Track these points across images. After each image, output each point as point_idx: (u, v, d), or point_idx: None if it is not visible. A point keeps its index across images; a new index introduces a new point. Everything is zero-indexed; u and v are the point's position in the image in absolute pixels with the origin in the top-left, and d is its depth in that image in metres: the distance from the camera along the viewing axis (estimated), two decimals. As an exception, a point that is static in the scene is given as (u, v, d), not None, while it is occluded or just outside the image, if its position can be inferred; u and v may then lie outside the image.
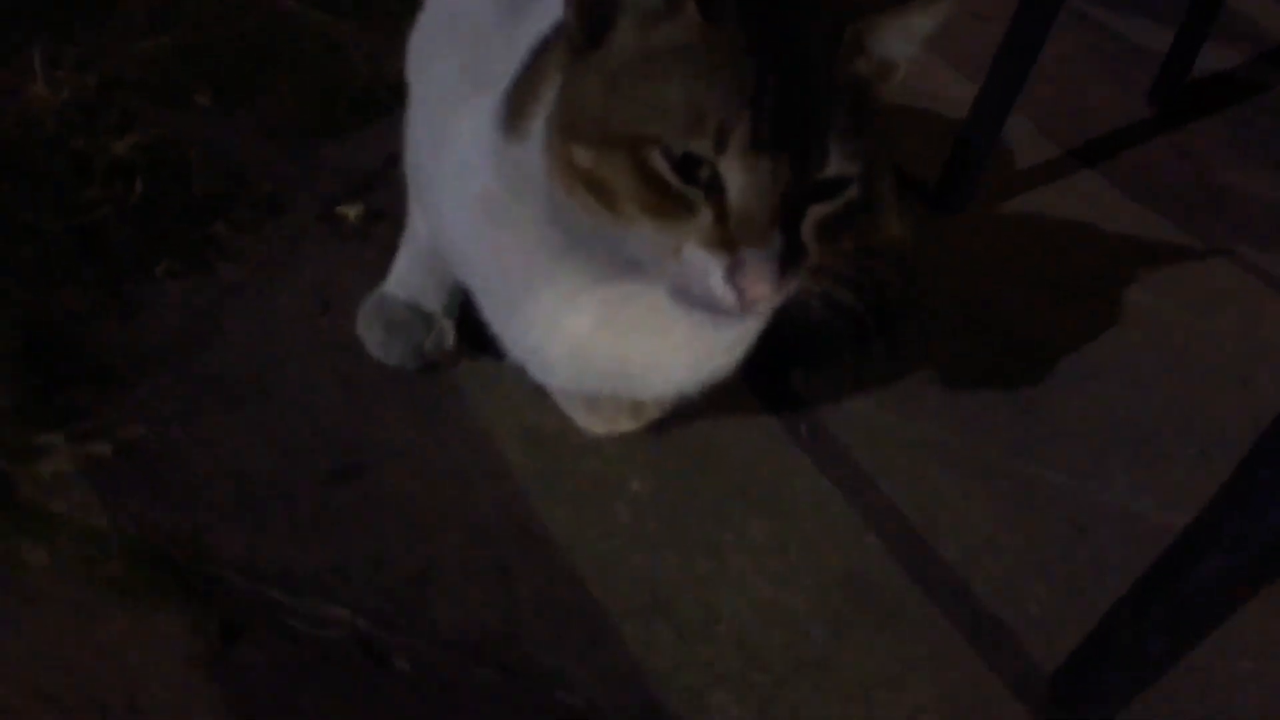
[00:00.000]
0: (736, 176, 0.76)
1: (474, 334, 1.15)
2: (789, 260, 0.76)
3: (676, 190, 0.77)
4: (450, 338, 1.27)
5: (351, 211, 1.45)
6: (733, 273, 0.76)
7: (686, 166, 0.77)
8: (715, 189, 0.77)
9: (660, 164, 0.77)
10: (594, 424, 1.23)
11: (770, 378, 1.36)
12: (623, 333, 1.01)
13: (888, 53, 0.84)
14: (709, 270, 0.77)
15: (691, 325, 1.00)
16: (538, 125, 0.91)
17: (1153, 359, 1.55)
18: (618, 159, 0.79)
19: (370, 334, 1.26)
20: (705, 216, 0.77)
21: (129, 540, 1.01)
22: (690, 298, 0.80)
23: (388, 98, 1.69)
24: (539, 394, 1.23)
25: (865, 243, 1.46)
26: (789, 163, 0.76)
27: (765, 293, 0.76)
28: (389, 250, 1.32)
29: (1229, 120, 2.31)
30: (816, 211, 0.79)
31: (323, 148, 1.57)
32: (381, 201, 1.47)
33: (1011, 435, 1.37)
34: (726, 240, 0.76)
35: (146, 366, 1.18)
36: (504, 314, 1.07)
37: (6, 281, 1.22)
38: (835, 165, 0.77)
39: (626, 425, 1.23)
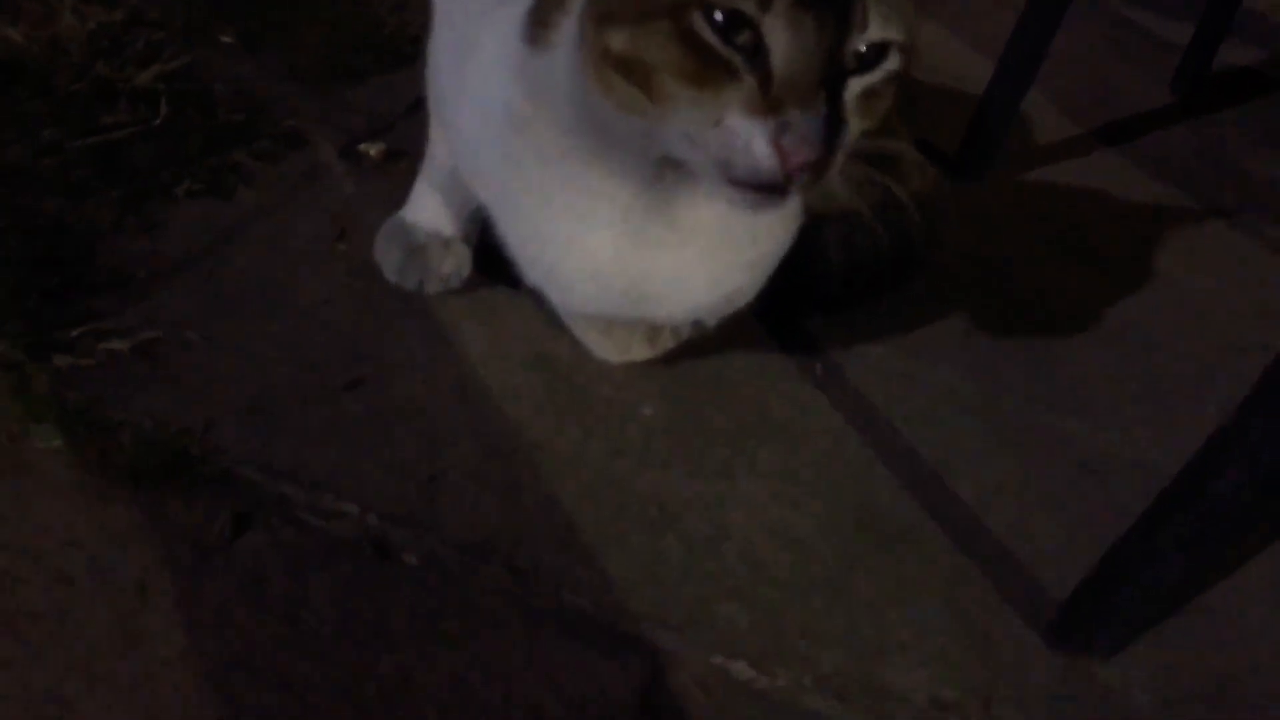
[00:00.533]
0: (781, 35, 0.75)
1: (492, 262, 1.15)
2: (833, 128, 0.75)
3: (719, 56, 0.76)
4: (467, 263, 1.28)
5: (372, 149, 1.46)
6: (778, 136, 0.74)
7: (729, 31, 0.75)
8: (759, 53, 0.75)
9: (703, 27, 0.76)
10: (609, 351, 1.23)
11: (786, 321, 1.36)
12: (642, 249, 1.01)
13: None
14: (753, 136, 0.75)
15: (711, 239, 1.01)
16: (564, 34, 0.92)
17: (1170, 322, 1.54)
18: (659, 30, 0.78)
19: (387, 257, 1.26)
20: (748, 82, 0.76)
21: (143, 432, 1.01)
22: (732, 170, 0.78)
23: (411, 50, 1.69)
24: (554, 323, 1.23)
25: (886, 198, 1.46)
26: (831, 22, 0.75)
27: (810, 155, 0.74)
28: (408, 186, 1.32)
29: (1250, 111, 2.30)
30: (858, 83, 0.78)
31: (345, 90, 1.58)
32: (403, 142, 1.47)
33: (1028, 386, 1.36)
34: (771, 104, 0.75)
35: (165, 277, 1.18)
36: (522, 232, 1.07)
37: (30, 192, 1.23)
38: (877, 27, 0.77)
39: (641, 353, 1.23)
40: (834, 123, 0.76)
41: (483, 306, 1.26)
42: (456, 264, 1.26)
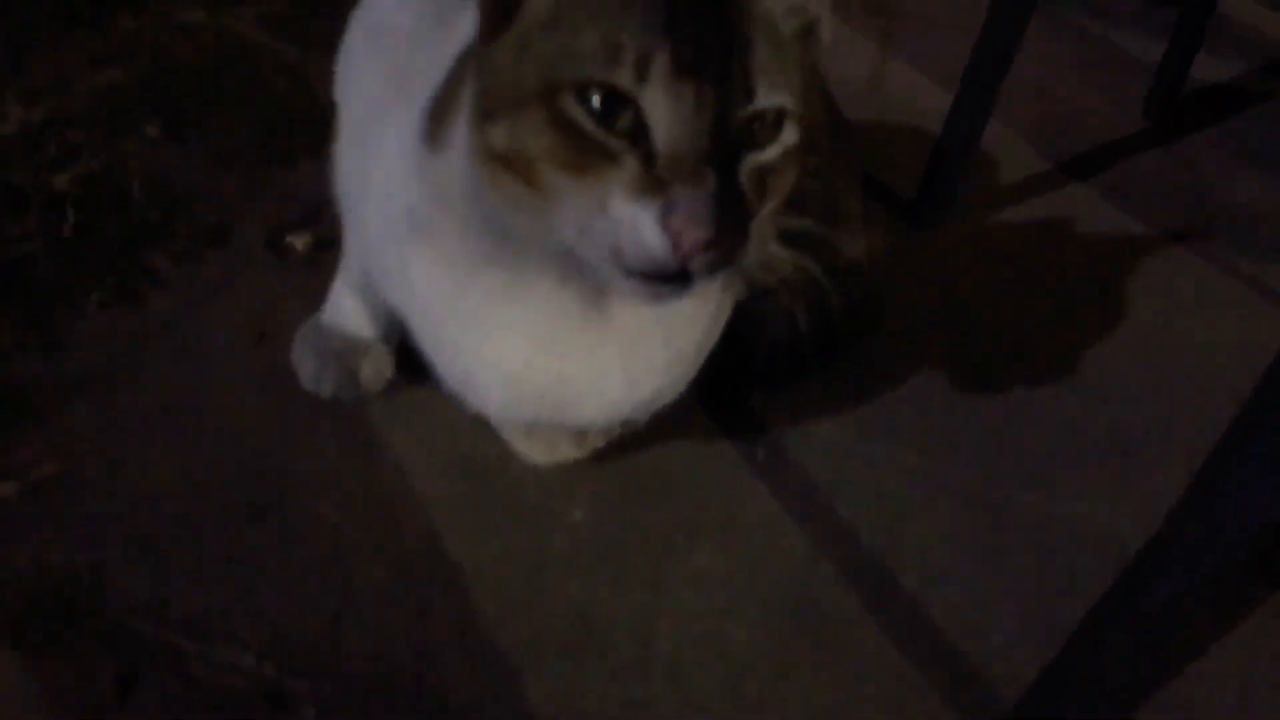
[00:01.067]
0: (661, 108, 0.70)
1: (413, 360, 1.10)
2: (727, 205, 0.70)
3: (596, 139, 0.71)
4: (388, 365, 1.23)
5: (299, 241, 1.41)
6: (666, 215, 0.69)
7: (605, 114, 0.71)
8: (638, 132, 0.71)
9: (576, 111, 0.72)
10: (535, 452, 1.18)
11: (727, 400, 1.30)
12: (553, 353, 0.95)
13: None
14: (640, 219, 0.70)
15: (625, 339, 0.96)
16: (458, 133, 0.87)
17: (1138, 370, 1.48)
18: (532, 118, 0.74)
19: (303, 364, 1.22)
20: (630, 163, 0.71)
21: (26, 585, 0.96)
22: (625, 259, 0.72)
23: (345, 126, 1.65)
24: (480, 422, 1.18)
25: (832, 263, 1.41)
26: (711, 91, 0.70)
27: (703, 234, 0.69)
28: (333, 277, 1.28)
29: (1226, 131, 2.23)
30: (753, 159, 0.74)
31: (274, 175, 1.53)
32: (332, 231, 1.43)
33: (983, 454, 1.30)
34: (656, 184, 0.70)
35: (66, 400, 1.14)
36: (433, 338, 1.02)
37: (-71, 317, 1.19)
38: (764, 95, 0.72)
39: (569, 453, 1.18)
40: (730, 199, 0.71)
41: (406, 409, 1.21)
42: (376, 368, 1.22)
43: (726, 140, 0.72)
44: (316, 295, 1.30)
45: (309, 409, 1.19)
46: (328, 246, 1.41)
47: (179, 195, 1.43)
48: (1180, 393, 1.44)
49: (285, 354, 1.23)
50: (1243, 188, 2.02)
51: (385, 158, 0.99)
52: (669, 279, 0.73)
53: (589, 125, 0.72)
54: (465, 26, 0.95)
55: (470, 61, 0.86)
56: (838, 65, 2.15)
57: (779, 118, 0.75)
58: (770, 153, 0.75)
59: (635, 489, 1.18)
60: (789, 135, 0.75)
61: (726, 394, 1.30)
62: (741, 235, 0.73)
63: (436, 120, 0.90)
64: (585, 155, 0.72)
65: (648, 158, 0.71)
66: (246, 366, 1.22)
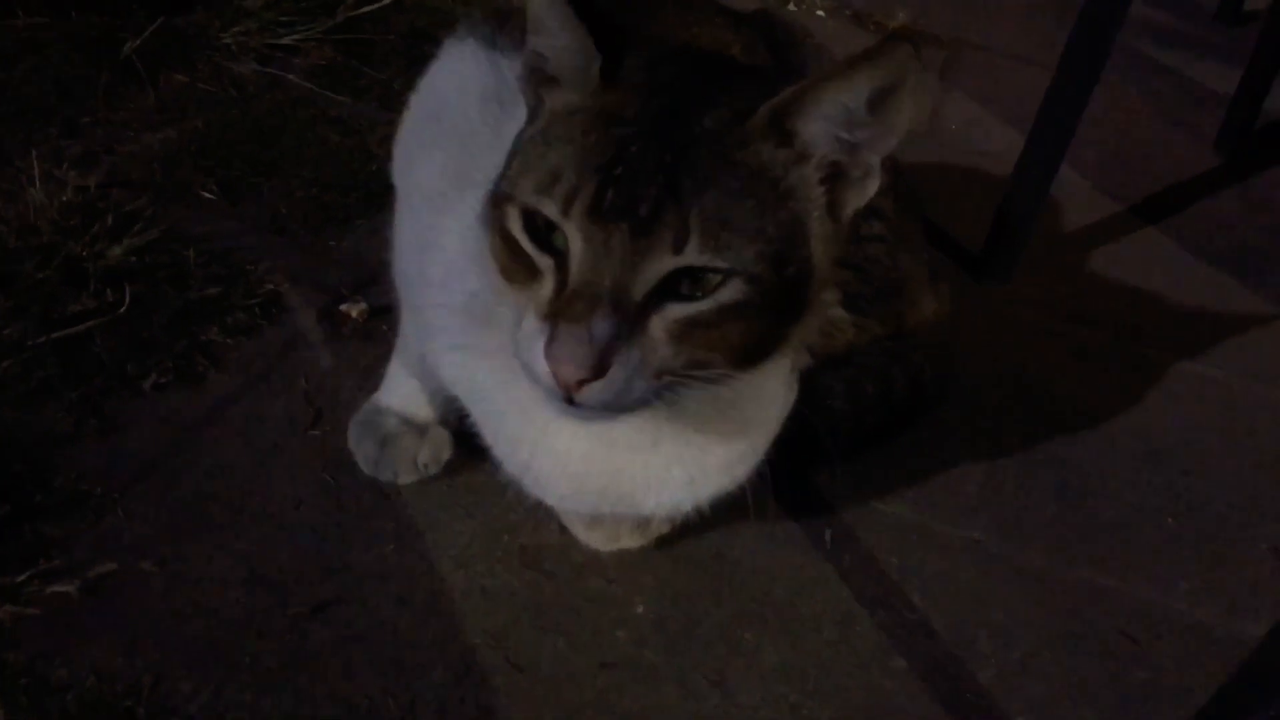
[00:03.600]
0: (575, 244, 0.72)
1: (470, 440, 1.07)
2: (614, 349, 0.71)
3: (529, 255, 0.75)
4: (447, 447, 1.21)
5: (354, 310, 1.39)
6: (548, 345, 0.72)
7: (542, 232, 0.74)
8: (562, 258, 0.74)
9: (515, 225, 0.75)
10: (596, 540, 1.15)
11: (791, 477, 1.26)
12: (612, 450, 0.94)
13: (814, 140, 0.76)
14: (534, 343, 0.73)
15: (683, 441, 0.93)
16: None
17: (1218, 440, 1.43)
18: (494, 220, 0.78)
19: (361, 449, 1.20)
20: (547, 285, 0.74)
21: (86, 693, 0.95)
22: (525, 373, 0.76)
23: (400, 183, 1.63)
24: (540, 507, 1.15)
25: (896, 328, 1.37)
26: (628, 238, 0.71)
27: (573, 372, 0.71)
28: (389, 349, 1.26)
29: (1301, 167, 2.16)
30: (677, 309, 0.73)
31: (330, 239, 1.52)
32: (387, 296, 1.40)
33: (1058, 532, 1.26)
34: (554, 314, 0.72)
35: (124, 490, 1.12)
36: (493, 428, 1.00)
37: (-13, 402, 1.18)
38: (696, 252, 0.71)
39: (631, 541, 1.15)
40: (627, 338, 0.72)
41: (464, 493, 1.19)
42: (434, 451, 1.19)
43: (647, 285, 0.72)
44: (371, 369, 1.28)
45: (367, 494, 1.17)
46: (381, 314, 1.39)
47: (236, 262, 1.41)
48: (1261, 465, 1.39)
49: (342, 434, 1.21)
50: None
51: (446, 249, 0.98)
52: (569, 402, 0.74)
53: (522, 239, 0.75)
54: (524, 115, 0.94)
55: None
56: (898, 104, 2.09)
57: (724, 273, 0.73)
58: (697, 306, 0.73)
59: (699, 578, 1.15)
60: (727, 293, 0.73)
61: (790, 471, 1.27)
62: (638, 380, 0.73)
63: (496, 202, 0.88)
64: (519, 265, 0.76)
65: (563, 283, 0.73)
66: (304, 449, 1.20)
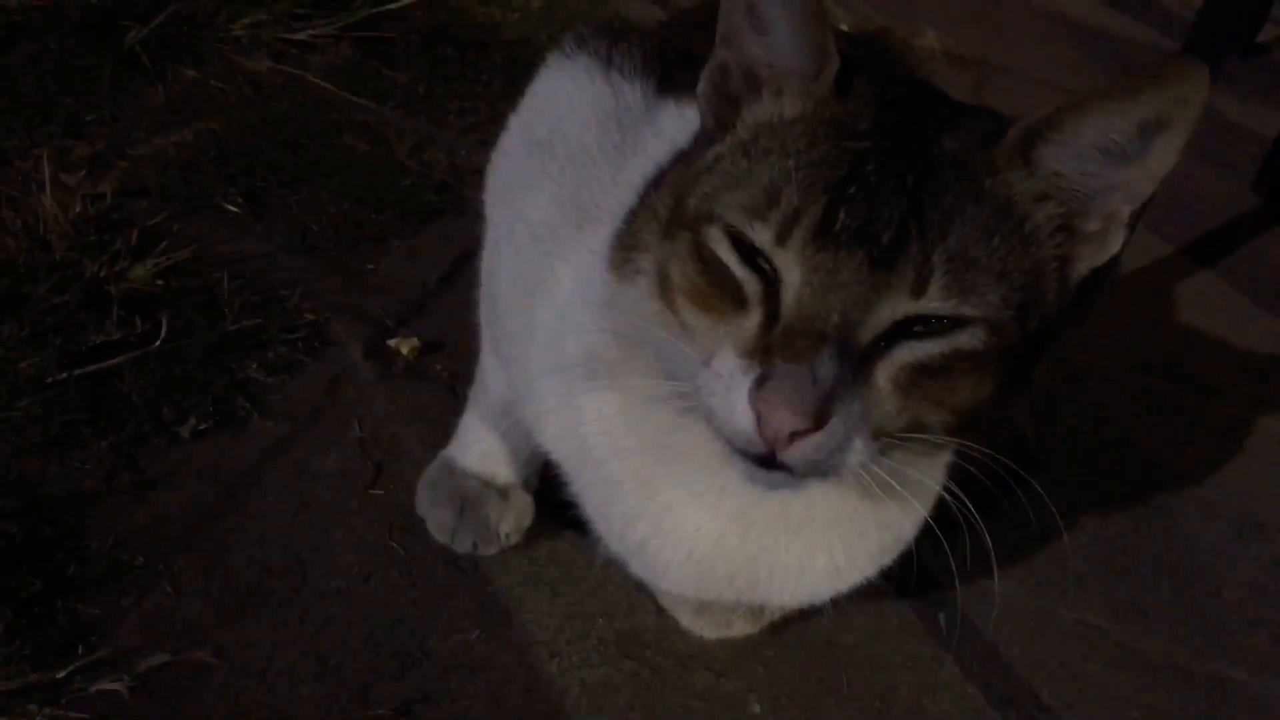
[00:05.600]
0: (794, 271, 0.62)
1: (557, 504, 0.95)
2: (837, 396, 0.60)
3: (732, 278, 0.64)
4: (529, 514, 1.08)
5: (405, 345, 1.25)
6: (758, 387, 0.61)
7: (748, 255, 0.64)
8: (773, 286, 0.63)
9: (721, 245, 0.65)
10: (703, 627, 1.04)
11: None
12: (749, 533, 0.82)
13: (1061, 174, 0.66)
14: (734, 382, 0.62)
15: (834, 525, 0.82)
16: (651, 256, 0.74)
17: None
18: (680, 242, 0.67)
19: (434, 514, 1.06)
20: (752, 316, 0.63)
21: (147, 817, 0.81)
22: (715, 425, 0.65)
23: (437, 200, 1.50)
24: (639, 586, 1.03)
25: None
26: (866, 269, 0.60)
27: (788, 422, 0.60)
28: (448, 391, 1.14)
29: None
30: (907, 351, 0.63)
31: (368, 260, 1.38)
32: (437, 328, 1.28)
33: (1177, 616, 1.17)
34: (765, 350, 0.62)
35: (168, 560, 0.98)
36: (602, 501, 0.88)
37: (4, 445, 1.02)
38: (937, 295, 0.61)
39: (742, 629, 1.04)
40: (850, 385, 0.61)
41: (547, 565, 1.06)
42: (518, 519, 1.07)
43: (879, 327, 0.62)
44: (429, 412, 1.16)
45: (442, 566, 1.04)
46: (435, 349, 1.26)
47: (269, 287, 1.27)
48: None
49: (407, 492, 1.08)
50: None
51: (558, 295, 0.85)
52: (765, 463, 0.63)
53: (729, 258, 0.65)
54: (655, 145, 0.83)
55: (671, 175, 0.76)
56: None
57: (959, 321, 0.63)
58: (930, 348, 0.63)
59: (815, 670, 1.04)
60: (966, 338, 0.63)
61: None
62: (856, 437, 0.62)
63: (627, 246, 0.77)
64: (716, 293, 0.65)
65: (772, 315, 0.63)
66: (366, 510, 1.07)
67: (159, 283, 1.21)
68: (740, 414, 0.62)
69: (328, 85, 1.67)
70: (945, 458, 0.86)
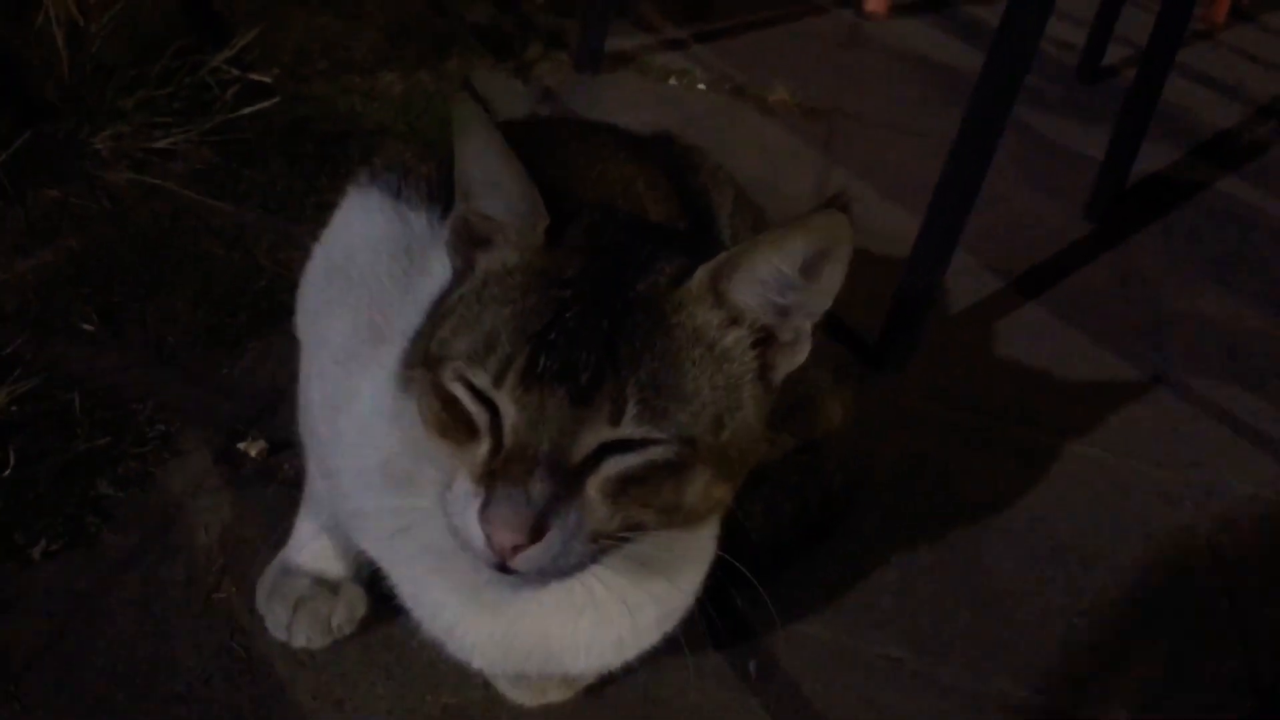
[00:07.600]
0: (509, 408, 0.73)
1: (387, 595, 1.04)
2: (552, 511, 0.71)
3: (465, 411, 0.74)
4: (361, 606, 1.17)
5: (253, 448, 1.34)
6: (484, 509, 0.72)
7: (478, 393, 0.74)
8: (498, 418, 0.74)
9: (454, 384, 0.75)
10: (522, 696, 1.13)
11: (712, 604, 1.26)
12: (536, 618, 0.92)
13: (747, 303, 0.78)
14: (467, 504, 0.73)
15: (614, 602, 0.92)
16: None
17: (1109, 527, 1.47)
18: (425, 379, 0.77)
19: (271, 614, 1.15)
20: (483, 445, 0.74)
21: None
22: (454, 537, 0.75)
23: (290, 299, 1.58)
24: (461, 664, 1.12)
25: (807, 437, 1.37)
26: (568, 405, 0.71)
27: (509, 537, 0.71)
28: (294, 489, 1.22)
29: (1168, 230, 2.26)
30: (611, 466, 0.73)
31: (221, 364, 1.47)
32: (285, 429, 1.36)
33: (972, 642, 1.28)
34: (489, 475, 0.73)
35: (18, 680, 1.06)
36: (414, 592, 0.97)
37: None
38: (632, 424, 0.72)
39: (557, 695, 1.13)
40: (565, 502, 0.72)
41: (380, 649, 1.15)
42: (349, 611, 1.16)
43: (585, 450, 0.72)
44: (275, 511, 1.24)
45: (280, 661, 1.13)
46: (282, 450, 1.34)
47: (122, 404, 1.35)
48: (1147, 551, 1.44)
49: (249, 592, 1.17)
50: (1188, 298, 2.04)
51: (359, 410, 0.95)
52: (502, 569, 0.73)
53: (464, 397, 0.74)
54: (438, 267, 0.91)
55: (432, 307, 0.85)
56: (783, 181, 2.12)
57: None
58: (629, 460, 0.74)
59: (631, 724, 1.13)
60: (660, 452, 0.74)
61: (713, 600, 1.26)
62: (575, 543, 0.73)
63: (410, 364, 0.86)
64: (453, 424, 0.75)
65: (497, 445, 0.73)
66: (208, 614, 1.15)
67: (14, 409, 1.30)
68: (474, 532, 0.73)
69: (187, 192, 1.76)
70: (709, 533, 0.96)
